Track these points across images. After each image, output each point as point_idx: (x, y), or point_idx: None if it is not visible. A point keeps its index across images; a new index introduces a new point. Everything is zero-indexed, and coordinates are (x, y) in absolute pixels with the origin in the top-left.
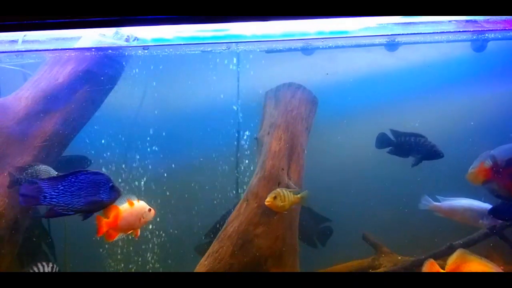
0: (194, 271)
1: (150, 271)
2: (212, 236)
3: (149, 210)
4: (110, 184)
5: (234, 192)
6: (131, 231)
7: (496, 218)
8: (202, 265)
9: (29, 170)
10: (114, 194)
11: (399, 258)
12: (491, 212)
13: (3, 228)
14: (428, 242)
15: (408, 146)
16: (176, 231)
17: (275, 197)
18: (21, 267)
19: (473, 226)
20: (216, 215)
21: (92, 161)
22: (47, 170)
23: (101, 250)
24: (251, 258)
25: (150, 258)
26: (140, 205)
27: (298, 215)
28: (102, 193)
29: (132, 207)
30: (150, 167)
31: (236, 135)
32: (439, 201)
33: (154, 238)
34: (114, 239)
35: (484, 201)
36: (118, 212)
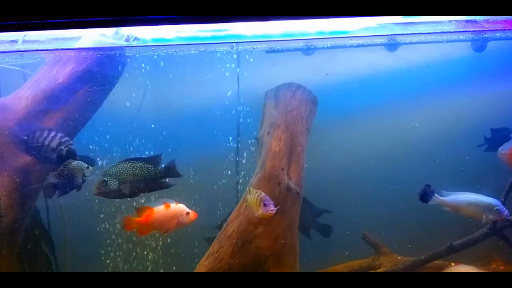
0: (194, 271)
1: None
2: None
3: (187, 213)
4: None
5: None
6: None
7: (423, 202)
8: (202, 265)
9: (65, 173)
10: None
11: (399, 258)
12: (420, 199)
13: (3, 228)
14: (428, 242)
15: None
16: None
17: (265, 205)
18: (21, 267)
19: (478, 221)
20: (216, 215)
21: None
22: (79, 165)
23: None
24: (251, 258)
25: (150, 257)
26: (177, 207)
27: (298, 215)
28: None
29: (167, 209)
30: None
31: (236, 134)
32: (444, 196)
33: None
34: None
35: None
36: (151, 212)
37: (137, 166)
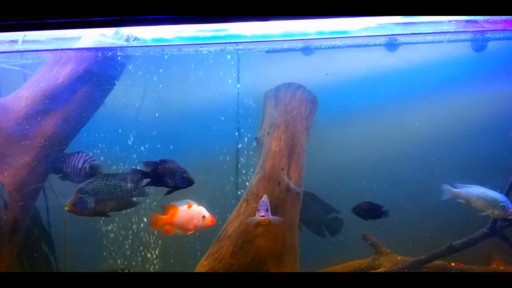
0: (194, 271)
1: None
2: None
3: (203, 217)
4: None
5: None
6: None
7: (358, 216)
8: (202, 265)
9: (161, 169)
10: None
11: (399, 258)
12: (354, 211)
13: (3, 228)
14: (428, 242)
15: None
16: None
17: (267, 209)
18: (21, 267)
19: (485, 214)
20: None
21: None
22: (175, 168)
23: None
24: (251, 258)
25: (149, 256)
26: (197, 209)
27: (298, 215)
28: None
29: (188, 210)
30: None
31: (237, 134)
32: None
33: (153, 237)
34: (171, 234)
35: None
36: (175, 211)
37: (111, 184)
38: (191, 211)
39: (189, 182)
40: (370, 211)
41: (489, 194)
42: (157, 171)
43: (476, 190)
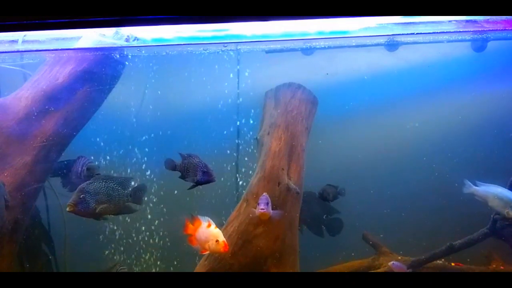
0: (194, 271)
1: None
2: None
3: (217, 241)
4: None
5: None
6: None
7: (325, 200)
8: (202, 265)
9: (186, 163)
10: None
11: (399, 258)
12: (321, 196)
13: (3, 228)
14: (428, 242)
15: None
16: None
17: (268, 203)
18: (21, 267)
19: (501, 214)
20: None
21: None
22: (197, 164)
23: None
24: (251, 258)
25: (150, 258)
26: (213, 232)
27: (298, 215)
28: None
29: (206, 229)
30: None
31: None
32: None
33: (153, 239)
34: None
35: None
36: (198, 225)
37: (110, 187)
38: (208, 232)
39: (208, 178)
40: (333, 193)
41: (506, 195)
42: (183, 165)
43: (494, 190)
